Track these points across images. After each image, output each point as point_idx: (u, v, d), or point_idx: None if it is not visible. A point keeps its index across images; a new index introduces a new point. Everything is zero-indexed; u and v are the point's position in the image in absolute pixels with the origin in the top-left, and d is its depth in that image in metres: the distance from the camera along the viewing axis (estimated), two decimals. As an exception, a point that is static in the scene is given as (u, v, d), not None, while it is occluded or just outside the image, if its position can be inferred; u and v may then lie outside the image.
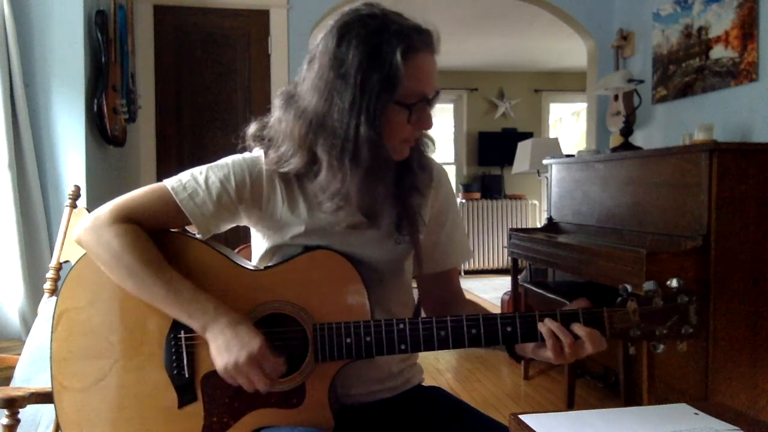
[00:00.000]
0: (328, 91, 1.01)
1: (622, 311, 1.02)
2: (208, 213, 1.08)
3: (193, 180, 1.08)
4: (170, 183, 1.09)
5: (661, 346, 1.01)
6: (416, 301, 1.21)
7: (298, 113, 1.04)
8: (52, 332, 1.07)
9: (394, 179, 1.13)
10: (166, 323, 1.05)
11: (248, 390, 1.00)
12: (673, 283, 1.02)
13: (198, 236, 1.13)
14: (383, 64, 0.99)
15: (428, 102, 1.06)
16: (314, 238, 1.11)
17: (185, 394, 1.05)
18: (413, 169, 1.15)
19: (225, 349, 0.98)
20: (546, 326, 1.01)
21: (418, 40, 1.02)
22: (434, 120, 1.10)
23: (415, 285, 1.26)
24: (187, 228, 1.15)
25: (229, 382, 1.01)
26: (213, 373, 1.04)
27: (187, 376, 1.04)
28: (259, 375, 0.98)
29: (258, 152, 1.12)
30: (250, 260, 1.19)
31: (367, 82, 0.99)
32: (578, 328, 1.00)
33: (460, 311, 1.13)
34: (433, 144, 1.20)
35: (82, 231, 1.06)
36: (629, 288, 1.02)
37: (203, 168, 1.10)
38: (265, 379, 0.99)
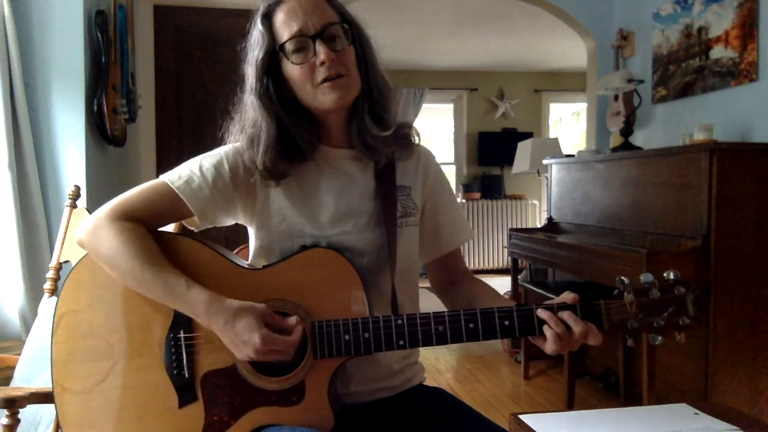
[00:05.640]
0: (242, 88, 1.14)
1: (619, 303, 1.02)
2: (204, 197, 1.10)
3: (189, 170, 1.12)
4: (166, 176, 1.11)
5: (660, 338, 1.01)
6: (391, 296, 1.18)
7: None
8: (52, 335, 1.07)
9: (375, 167, 1.16)
10: (166, 324, 1.05)
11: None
12: (670, 275, 1.02)
13: (195, 231, 1.15)
14: (253, 38, 1.12)
15: (311, 38, 1.07)
16: (307, 227, 1.12)
17: (185, 394, 1.05)
18: (393, 154, 1.17)
19: (233, 346, 1.00)
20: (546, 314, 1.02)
21: None
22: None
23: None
24: (185, 224, 1.16)
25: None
26: (213, 373, 1.04)
27: (187, 376, 1.05)
28: (274, 356, 0.99)
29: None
30: (248, 260, 1.19)
31: (250, 61, 1.12)
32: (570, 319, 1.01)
33: (469, 289, 1.21)
34: (417, 133, 1.23)
35: (83, 232, 1.07)
36: (626, 280, 1.03)
37: (196, 158, 1.14)
38: (283, 354, 1.00)
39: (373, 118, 1.14)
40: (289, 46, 1.08)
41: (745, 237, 2.32)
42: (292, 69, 1.09)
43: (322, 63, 1.06)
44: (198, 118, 3.77)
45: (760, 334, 2.34)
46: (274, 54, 1.10)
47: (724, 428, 1.00)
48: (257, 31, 1.11)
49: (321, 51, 1.06)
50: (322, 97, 1.09)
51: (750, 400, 2.34)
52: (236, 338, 0.99)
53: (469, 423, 1.15)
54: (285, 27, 1.08)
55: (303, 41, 1.07)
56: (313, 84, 1.08)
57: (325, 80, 1.07)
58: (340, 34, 1.10)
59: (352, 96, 1.11)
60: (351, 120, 1.14)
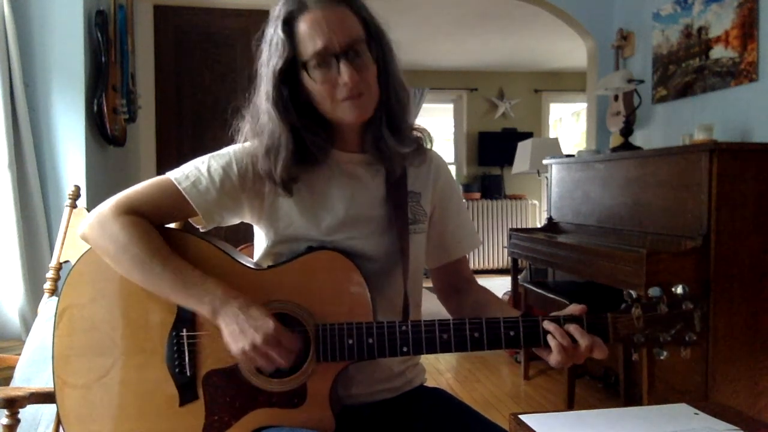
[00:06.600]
0: (254, 86, 1.13)
1: (626, 317, 1.01)
2: (211, 200, 1.09)
3: (196, 169, 1.10)
4: (173, 174, 1.10)
5: (665, 353, 1.00)
6: (403, 302, 1.18)
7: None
8: (54, 329, 1.07)
9: (386, 171, 1.15)
10: (169, 321, 1.05)
11: (268, 370, 1.01)
12: (678, 289, 1.01)
13: (201, 230, 1.14)
14: (272, 41, 1.08)
15: (335, 56, 1.05)
16: (314, 231, 1.11)
17: (186, 392, 1.05)
18: (405, 159, 1.16)
19: (240, 332, 0.98)
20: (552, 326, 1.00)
21: (299, 2, 1.06)
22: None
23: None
24: (190, 221, 1.16)
25: (247, 365, 1.02)
26: (214, 372, 1.04)
27: (188, 374, 1.05)
28: (279, 352, 0.98)
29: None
30: (252, 259, 1.19)
31: (266, 63, 1.09)
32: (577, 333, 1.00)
33: (475, 297, 1.20)
34: (430, 137, 1.22)
35: (87, 226, 1.07)
36: (634, 294, 1.02)
37: (205, 158, 1.12)
38: (285, 355, 0.99)
39: (391, 130, 1.13)
40: (311, 62, 1.05)
41: (745, 237, 2.32)
42: (313, 84, 1.07)
43: (345, 83, 1.05)
44: (198, 118, 3.77)
45: (760, 334, 2.34)
46: (293, 64, 1.07)
47: (724, 428, 1.00)
48: (277, 36, 1.07)
49: (345, 71, 1.04)
50: (341, 113, 1.08)
51: (750, 400, 2.34)
52: (248, 322, 0.97)
53: (469, 423, 1.15)
54: (309, 40, 1.05)
55: (327, 58, 1.05)
56: (333, 100, 1.07)
57: (346, 99, 1.06)
58: (365, 50, 1.07)
59: (371, 111, 1.10)
60: (367, 127, 1.13)
